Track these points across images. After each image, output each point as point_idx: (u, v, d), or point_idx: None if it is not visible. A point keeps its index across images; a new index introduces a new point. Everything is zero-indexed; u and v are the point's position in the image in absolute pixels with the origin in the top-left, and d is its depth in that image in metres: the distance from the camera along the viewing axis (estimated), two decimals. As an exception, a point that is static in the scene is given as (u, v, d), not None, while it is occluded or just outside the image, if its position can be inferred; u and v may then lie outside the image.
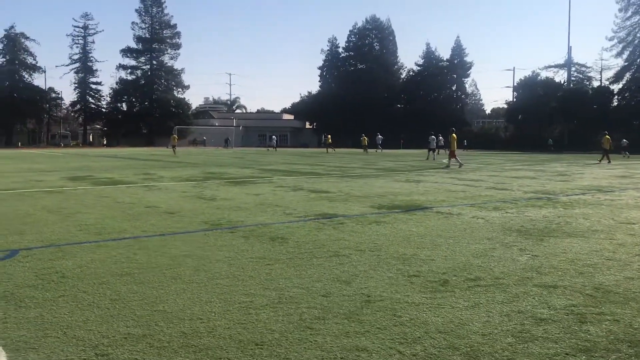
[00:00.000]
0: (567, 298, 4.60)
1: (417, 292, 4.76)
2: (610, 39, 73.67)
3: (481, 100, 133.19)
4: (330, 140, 57.21)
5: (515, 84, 78.39)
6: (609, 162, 30.53)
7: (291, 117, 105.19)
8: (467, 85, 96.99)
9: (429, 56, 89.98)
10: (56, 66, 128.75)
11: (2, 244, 6.80)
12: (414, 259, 5.99)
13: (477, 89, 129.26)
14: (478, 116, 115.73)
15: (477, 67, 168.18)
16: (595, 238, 7.29)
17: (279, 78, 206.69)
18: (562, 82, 73.78)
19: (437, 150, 38.20)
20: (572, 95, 67.31)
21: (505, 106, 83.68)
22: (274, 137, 65.67)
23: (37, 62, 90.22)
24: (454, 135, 26.70)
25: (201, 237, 7.30)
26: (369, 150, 53.45)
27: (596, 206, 10.64)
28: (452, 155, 26.43)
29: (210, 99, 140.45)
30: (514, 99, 78.21)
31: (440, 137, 44.34)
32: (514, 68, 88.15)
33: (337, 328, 3.89)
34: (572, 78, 74.36)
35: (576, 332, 3.82)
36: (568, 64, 73.31)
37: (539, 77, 74.68)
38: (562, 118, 69.05)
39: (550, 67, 75.75)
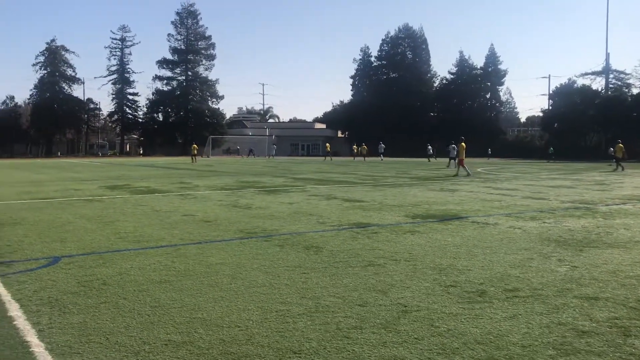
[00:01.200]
0: (609, 310, 4.50)
1: (454, 302, 4.72)
2: (651, 45, 71.93)
3: (516, 108, 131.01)
4: (329, 149, 63.03)
5: (550, 92, 77.10)
6: (622, 169, 31.29)
7: (323, 126, 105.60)
8: (501, 93, 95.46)
9: (463, 64, 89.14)
10: (95, 77, 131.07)
11: (45, 251, 6.99)
12: (451, 269, 5.94)
13: (511, 97, 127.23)
14: (513, 124, 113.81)
15: (511, 74, 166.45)
16: (638, 249, 7.11)
17: (312, 87, 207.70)
18: (600, 90, 72.19)
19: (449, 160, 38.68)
20: (610, 103, 65.79)
21: (541, 114, 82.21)
22: (274, 145, 71.03)
23: (76, 74, 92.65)
24: (462, 144, 26.53)
25: (237, 245, 7.37)
26: (381, 158, 57.03)
27: (638, 216, 10.38)
28: (460, 163, 26.38)
29: (244, 108, 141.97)
30: (550, 107, 76.86)
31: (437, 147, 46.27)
32: (549, 76, 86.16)
33: (374, 338, 3.89)
34: (610, 85, 72.70)
35: (620, 345, 3.73)
36: (606, 71, 71.77)
37: (576, 85, 73.20)
38: (600, 126, 67.62)
39: (587, 74, 74.21)
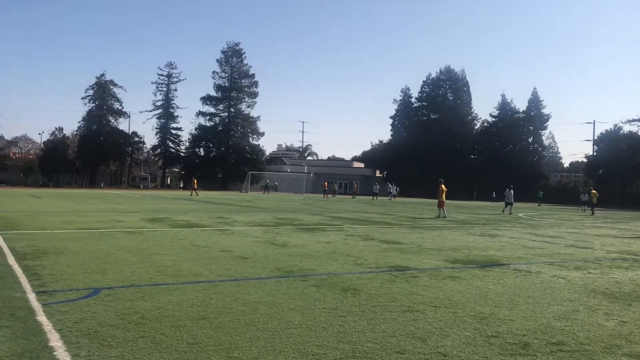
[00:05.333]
0: (661, 371, 4.29)
1: (495, 354, 4.58)
2: (700, 92, 69.91)
3: (559, 153, 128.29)
4: (356, 189, 67.62)
5: (595, 138, 75.69)
6: (592, 214, 35.07)
7: (361, 165, 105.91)
8: (544, 138, 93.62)
9: (505, 107, 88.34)
10: (140, 112, 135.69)
11: (87, 282, 7.10)
12: (492, 318, 5.78)
13: (554, 141, 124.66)
14: (556, 170, 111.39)
15: (555, 119, 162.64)
16: (690, 306, 6.79)
17: (351, 126, 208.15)
18: (647, 136, 70.46)
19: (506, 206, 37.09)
20: (657, 151, 64.17)
21: (585, 160, 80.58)
22: (376, 184, 67.66)
23: (123, 108, 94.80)
24: (442, 186, 26.15)
25: (274, 284, 7.35)
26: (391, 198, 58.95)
27: (689, 270, 9.96)
28: (440, 205, 25.89)
29: (283, 145, 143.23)
30: (595, 153, 75.33)
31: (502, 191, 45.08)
32: (594, 121, 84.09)
33: (413, 388, 3.78)
34: (658, 133, 70.92)
35: (674, 409, 3.53)
36: (653, 118, 70.08)
37: (622, 131, 71.79)
38: (647, 174, 65.76)
39: (634, 120, 72.61)
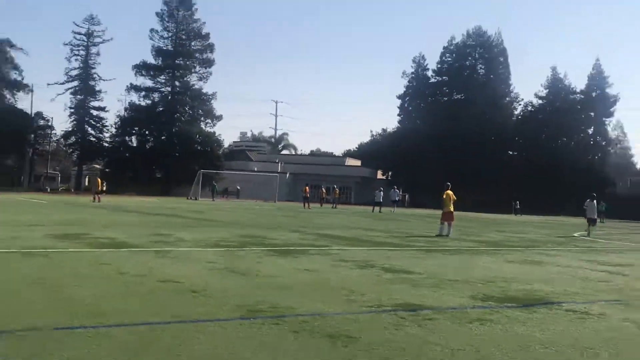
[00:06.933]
0: None
1: None
2: None
3: (631, 149, 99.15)
4: (337, 195, 51.94)
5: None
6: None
7: (357, 162, 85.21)
8: (609, 128, 74.22)
9: (556, 85, 70.06)
10: (48, 84, 74.24)
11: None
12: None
13: (623, 133, 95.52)
14: (629, 172, 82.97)
15: (625, 102, 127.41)
16: None
17: (343, 109, 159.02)
18: None
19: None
20: None
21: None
22: (380, 191, 45.88)
23: (23, 78, 69.46)
24: (448, 191, 19.78)
25: (235, 328, 5.46)
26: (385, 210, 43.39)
27: None
28: (446, 218, 19.59)
29: (249, 134, 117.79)
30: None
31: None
32: (681, 107, 68.37)
33: None
34: None
35: None
36: None
37: None
38: None
39: None
